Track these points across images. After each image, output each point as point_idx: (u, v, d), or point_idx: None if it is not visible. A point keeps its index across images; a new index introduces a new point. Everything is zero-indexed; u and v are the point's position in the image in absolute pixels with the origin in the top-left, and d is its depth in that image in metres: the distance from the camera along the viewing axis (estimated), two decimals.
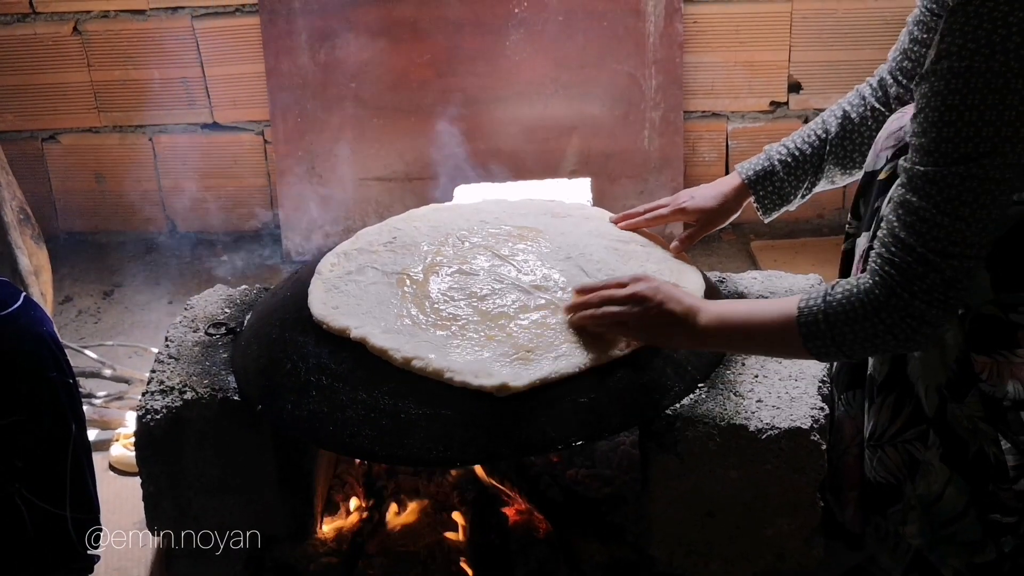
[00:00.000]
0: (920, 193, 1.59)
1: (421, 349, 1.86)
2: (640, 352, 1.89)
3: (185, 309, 2.30)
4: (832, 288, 1.69)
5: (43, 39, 3.34)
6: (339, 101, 3.27)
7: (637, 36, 3.19)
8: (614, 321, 1.86)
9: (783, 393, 1.91)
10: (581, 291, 1.94)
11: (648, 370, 1.89)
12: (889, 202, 1.69)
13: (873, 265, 1.65)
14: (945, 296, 1.61)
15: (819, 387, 1.93)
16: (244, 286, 2.39)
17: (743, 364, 2.00)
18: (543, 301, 1.94)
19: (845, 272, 2.03)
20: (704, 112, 3.39)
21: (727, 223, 2.20)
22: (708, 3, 3.22)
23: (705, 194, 2.19)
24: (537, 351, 1.85)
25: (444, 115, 3.27)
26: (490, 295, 1.95)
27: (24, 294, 1.85)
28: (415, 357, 1.84)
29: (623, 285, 1.87)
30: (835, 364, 2.00)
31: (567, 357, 1.84)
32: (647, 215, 2.21)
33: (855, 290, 1.67)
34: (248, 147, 3.46)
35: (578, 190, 2.76)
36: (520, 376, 1.81)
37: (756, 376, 1.96)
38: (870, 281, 1.65)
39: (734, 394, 1.91)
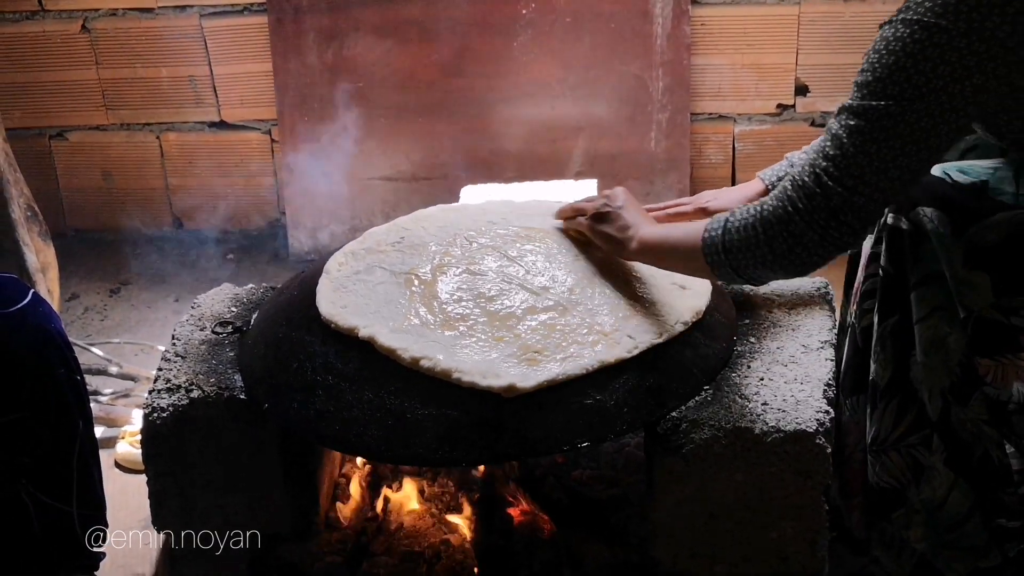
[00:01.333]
0: (842, 122, 1.65)
1: (429, 349, 1.86)
2: (646, 355, 1.90)
3: (192, 307, 2.31)
4: (739, 211, 1.77)
5: (51, 36, 3.35)
6: (346, 101, 3.28)
7: (644, 38, 3.19)
8: (580, 210, 2.05)
9: (788, 396, 1.91)
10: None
11: (654, 372, 1.90)
12: None
13: (782, 183, 1.71)
14: (826, 223, 1.65)
15: (824, 390, 1.93)
16: (251, 285, 2.40)
17: (748, 367, 2.00)
18: (551, 302, 1.94)
19: (851, 275, 2.04)
20: (711, 114, 3.39)
21: None
22: (716, 5, 3.23)
23: (728, 196, 2.22)
24: (545, 352, 1.86)
25: (451, 115, 3.28)
26: (498, 296, 1.95)
27: (32, 291, 1.85)
28: (423, 357, 1.85)
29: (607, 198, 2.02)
30: (841, 370, 2.00)
31: (574, 359, 1.85)
32: (668, 211, 2.23)
33: (756, 206, 1.74)
34: (255, 146, 3.47)
35: (584, 192, 2.77)
36: (528, 377, 1.81)
37: (761, 379, 1.96)
38: (772, 196, 1.72)
39: (739, 397, 1.91)
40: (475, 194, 2.63)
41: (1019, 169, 1.68)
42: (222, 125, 3.46)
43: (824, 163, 1.65)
